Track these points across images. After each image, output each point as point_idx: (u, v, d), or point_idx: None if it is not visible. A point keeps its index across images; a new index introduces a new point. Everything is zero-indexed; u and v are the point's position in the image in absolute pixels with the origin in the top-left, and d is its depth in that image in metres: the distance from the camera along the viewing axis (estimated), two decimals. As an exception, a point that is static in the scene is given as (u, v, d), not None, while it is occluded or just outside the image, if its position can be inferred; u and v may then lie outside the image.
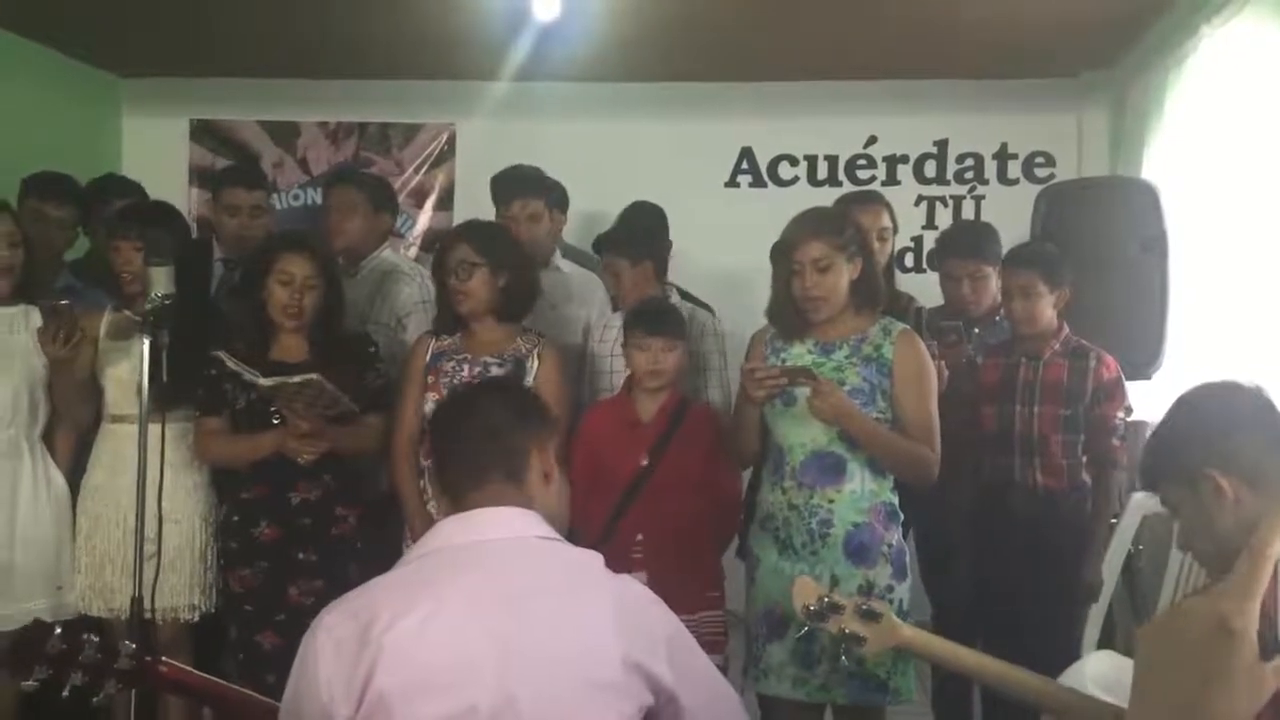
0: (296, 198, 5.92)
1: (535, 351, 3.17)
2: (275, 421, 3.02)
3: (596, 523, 3.01)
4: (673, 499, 3.05)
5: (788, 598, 2.30)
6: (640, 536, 3.03)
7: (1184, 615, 1.53)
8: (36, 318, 3.14)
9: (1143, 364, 3.66)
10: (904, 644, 2.19)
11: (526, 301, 3.24)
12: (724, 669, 2.99)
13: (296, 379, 2.85)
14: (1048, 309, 3.30)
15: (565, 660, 1.49)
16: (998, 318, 3.63)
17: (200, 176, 5.85)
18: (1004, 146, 5.59)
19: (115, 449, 3.14)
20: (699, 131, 5.60)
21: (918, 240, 5.52)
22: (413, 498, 3.15)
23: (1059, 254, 3.38)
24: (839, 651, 2.22)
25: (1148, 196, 3.85)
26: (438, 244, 3.50)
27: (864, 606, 2.17)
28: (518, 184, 3.88)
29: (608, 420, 3.16)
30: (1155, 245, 3.74)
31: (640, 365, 3.11)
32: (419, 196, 5.91)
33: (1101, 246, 3.73)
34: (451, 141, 5.89)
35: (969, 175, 5.63)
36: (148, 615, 2.75)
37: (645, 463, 3.08)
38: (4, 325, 3.17)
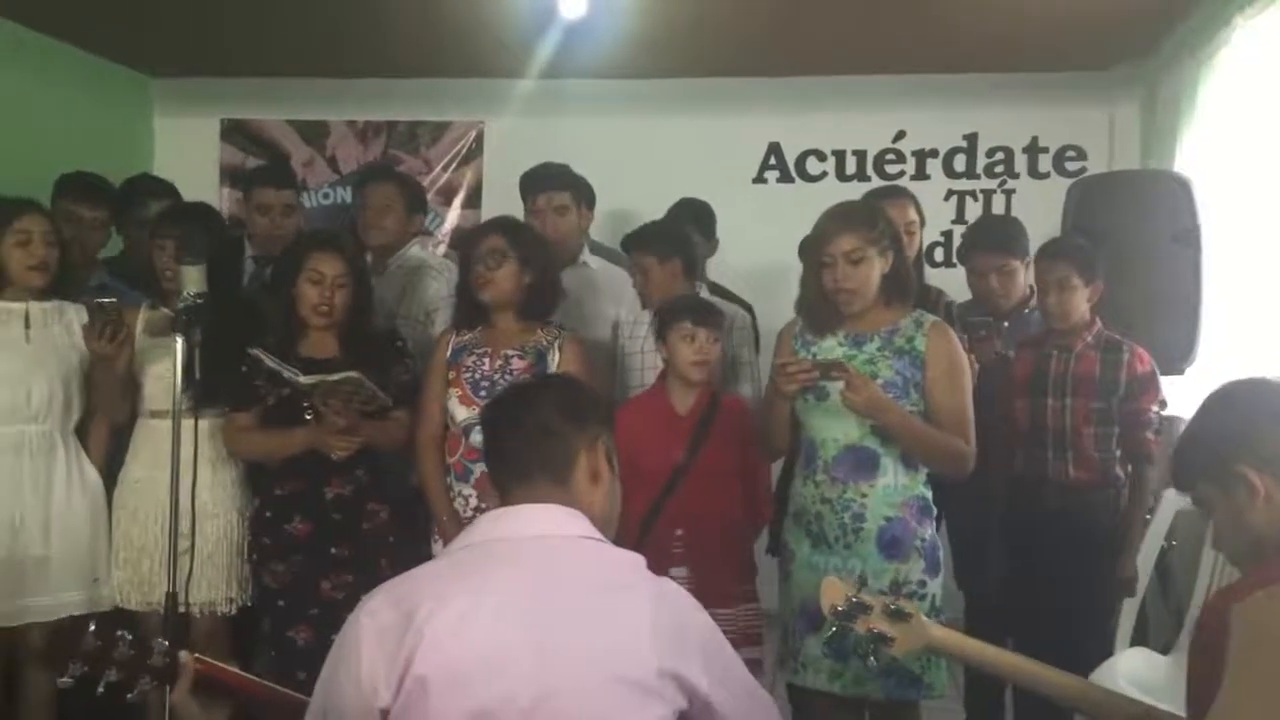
0: (326, 196, 5.96)
1: (556, 344, 3.18)
2: (307, 418, 3.05)
3: (634, 518, 3.00)
4: (710, 493, 3.05)
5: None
6: (680, 532, 3.03)
7: None
8: (72, 314, 3.18)
9: (1175, 359, 3.64)
10: (933, 644, 2.17)
11: (548, 303, 3.24)
12: (760, 662, 3.00)
13: (336, 376, 2.88)
14: (1082, 302, 3.28)
15: (600, 658, 1.49)
16: (1027, 311, 3.62)
17: (231, 176, 5.90)
18: (1034, 140, 5.55)
19: (153, 444, 3.16)
20: (726, 127, 5.59)
21: (947, 235, 5.50)
22: (438, 492, 3.16)
23: (1093, 248, 3.36)
24: (867, 651, 2.20)
25: (1180, 189, 3.82)
26: (468, 237, 3.52)
27: (892, 606, 2.15)
28: (544, 178, 3.91)
29: (643, 415, 3.16)
30: (1187, 239, 3.71)
31: (685, 356, 3.10)
32: (447, 194, 5.94)
33: (1133, 240, 3.71)
34: (479, 139, 5.91)
35: (999, 169, 5.59)
36: (183, 609, 2.78)
37: (682, 458, 3.08)
38: (40, 321, 3.20)
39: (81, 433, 3.28)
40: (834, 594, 2.18)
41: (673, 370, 3.17)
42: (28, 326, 3.18)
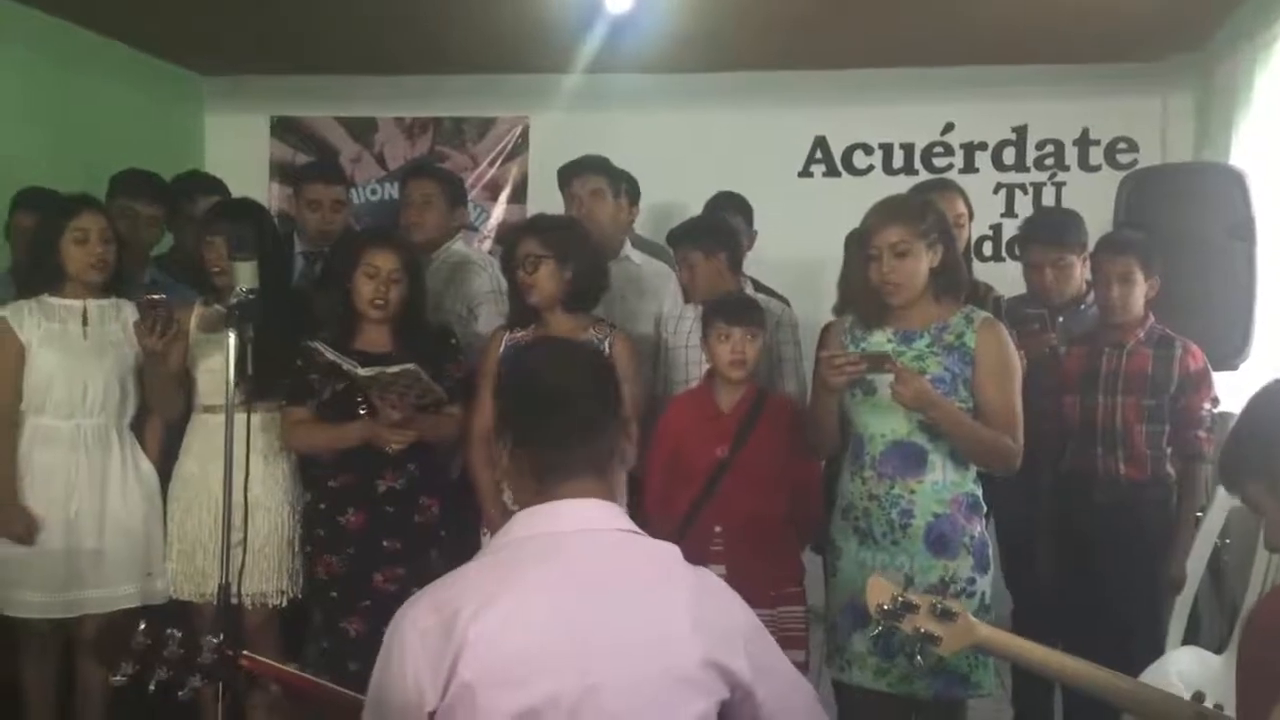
0: (374, 192, 6.01)
1: (607, 341, 3.19)
2: (362, 411, 3.08)
3: (676, 514, 3.02)
4: (752, 491, 3.04)
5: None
6: (719, 528, 3.03)
7: None
8: (128, 311, 3.23)
9: (1229, 355, 3.58)
10: (980, 644, 2.15)
11: (595, 292, 3.26)
12: (805, 664, 2.99)
13: (394, 369, 2.91)
14: (1141, 297, 3.25)
15: (643, 652, 1.49)
16: (1082, 306, 3.57)
17: (281, 172, 5.97)
18: (1085, 132, 5.48)
19: (206, 438, 3.21)
20: (772, 121, 5.57)
21: (996, 228, 5.44)
22: (488, 487, 3.19)
23: (1153, 241, 3.31)
24: (914, 651, 2.18)
25: (1234, 182, 3.76)
26: (505, 241, 3.54)
27: (939, 606, 2.13)
28: (578, 164, 3.92)
29: (688, 412, 3.16)
30: (1242, 232, 3.65)
31: (722, 356, 3.11)
32: (493, 190, 5.96)
33: (1186, 234, 3.65)
34: (525, 135, 5.93)
35: (1049, 162, 5.52)
36: (235, 601, 2.81)
37: (725, 454, 3.08)
38: (97, 318, 3.26)
39: (138, 428, 3.34)
40: (880, 593, 2.17)
41: (714, 369, 3.17)
42: (85, 324, 3.23)
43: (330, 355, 2.96)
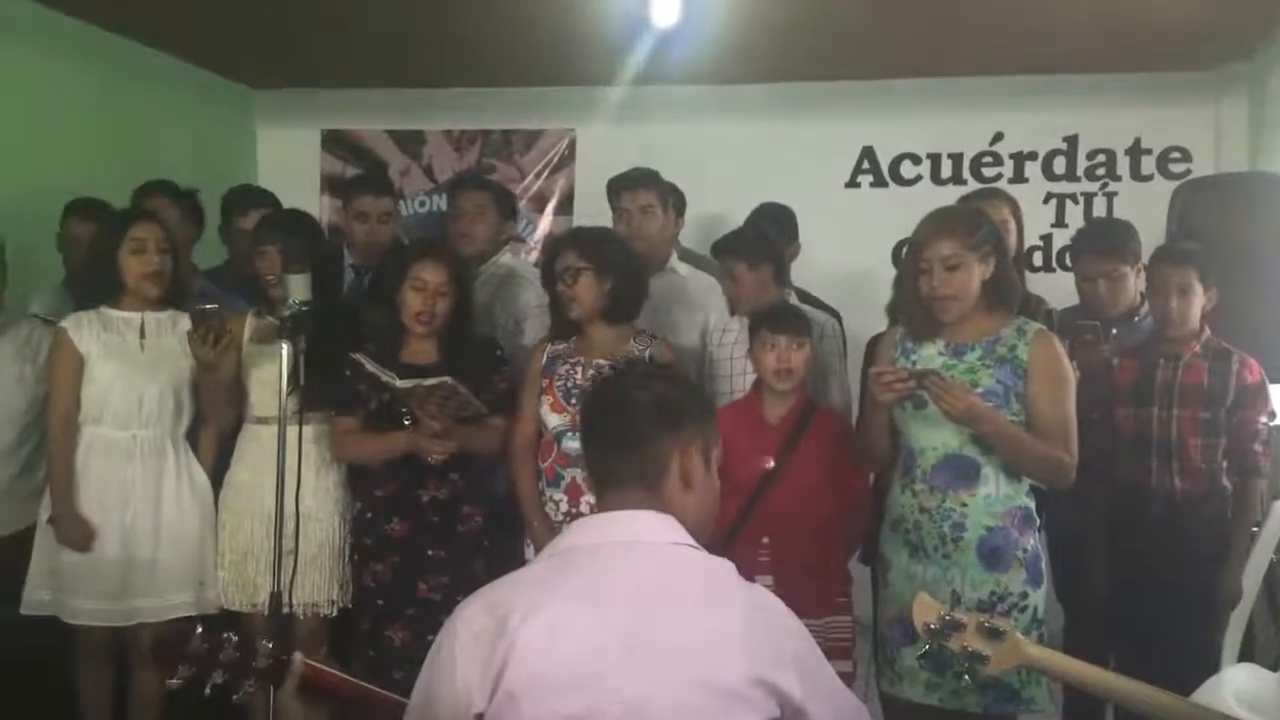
0: (422, 204, 6.05)
1: (648, 352, 3.20)
2: (406, 422, 3.10)
3: (722, 525, 2.99)
4: (799, 502, 3.04)
5: (920, 602, 2.27)
6: (766, 539, 3.02)
7: None
8: (184, 323, 3.27)
9: (1285, 368, 3.52)
10: (1029, 663, 2.12)
11: (635, 303, 3.27)
12: (851, 675, 2.97)
13: (430, 381, 2.93)
14: (1200, 308, 3.21)
15: (691, 666, 1.48)
16: (1136, 318, 3.53)
17: (331, 185, 6.03)
18: (1137, 142, 5.41)
19: (258, 448, 3.25)
20: (819, 132, 5.55)
21: (1047, 239, 5.39)
22: (530, 498, 3.21)
23: (1210, 252, 3.26)
24: (961, 670, 2.16)
25: (1291, 192, 3.69)
26: (545, 253, 3.55)
27: (987, 625, 2.10)
28: (630, 179, 3.92)
29: (735, 422, 3.15)
30: (1299, 243, 3.59)
31: (768, 365, 3.11)
32: (539, 202, 5.99)
33: (1240, 245, 3.59)
34: (572, 147, 5.96)
35: (1100, 172, 5.46)
36: (286, 610, 2.84)
37: (771, 465, 3.07)
38: (154, 330, 3.31)
39: (192, 438, 3.38)
40: (927, 611, 2.15)
41: (761, 379, 3.17)
42: (143, 336, 3.28)
43: (370, 367, 2.99)
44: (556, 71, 5.44)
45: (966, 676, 2.15)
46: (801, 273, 4.08)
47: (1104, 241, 3.63)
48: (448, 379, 2.92)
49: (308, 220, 3.53)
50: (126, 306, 3.29)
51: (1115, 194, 5.44)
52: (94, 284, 3.33)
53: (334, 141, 6.15)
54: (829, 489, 3.08)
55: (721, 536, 2.96)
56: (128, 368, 3.24)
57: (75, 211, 3.88)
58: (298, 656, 1.69)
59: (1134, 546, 3.27)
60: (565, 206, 5.96)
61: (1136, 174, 5.42)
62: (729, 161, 5.36)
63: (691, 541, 1.62)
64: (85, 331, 3.24)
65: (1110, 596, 3.36)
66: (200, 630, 1.65)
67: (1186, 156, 5.35)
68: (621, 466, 1.64)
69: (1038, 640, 2.61)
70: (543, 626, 1.47)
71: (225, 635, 1.66)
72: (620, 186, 3.92)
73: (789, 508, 3.03)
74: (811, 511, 3.04)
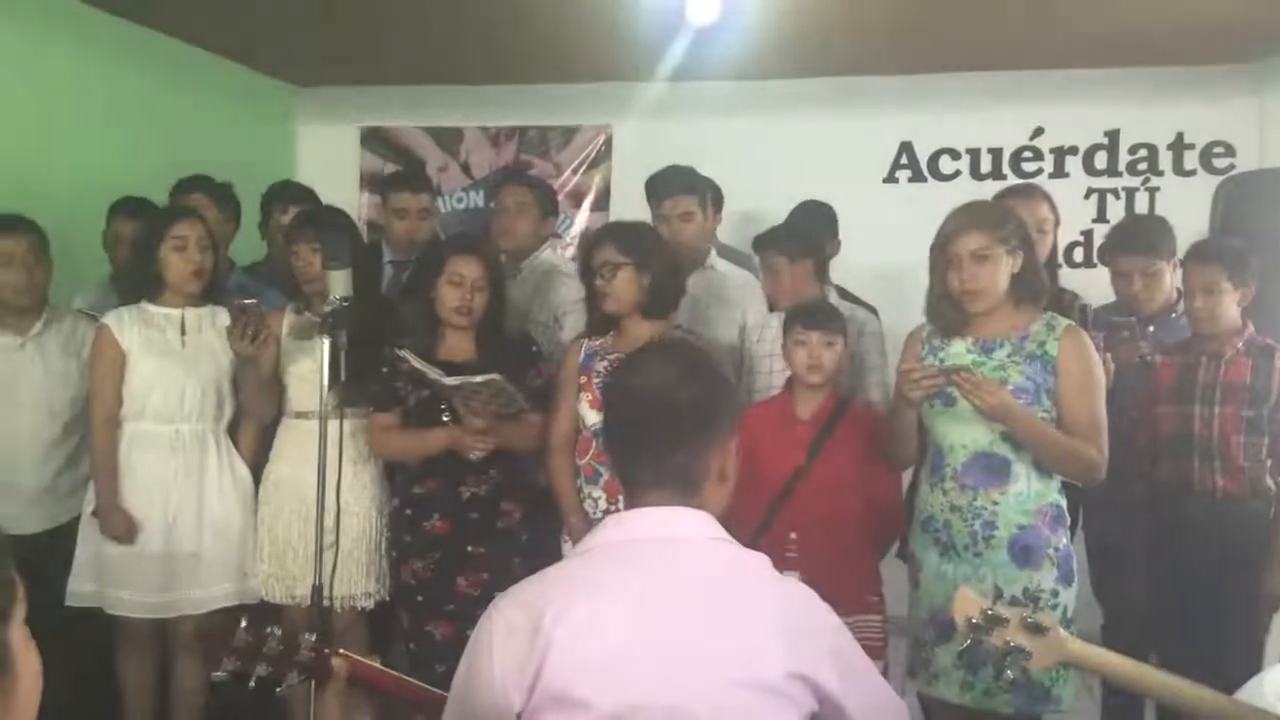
0: (460, 201, 6.09)
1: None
2: (445, 419, 3.12)
3: (751, 521, 3.00)
4: (829, 499, 3.02)
5: (951, 602, 2.25)
6: (794, 536, 3.01)
7: None
8: (222, 318, 3.31)
9: (1332, 364, 3.46)
10: (1071, 658, 2.10)
11: (674, 299, 3.26)
12: (884, 675, 2.95)
13: (479, 379, 2.94)
14: (1231, 307, 3.16)
15: (728, 662, 1.48)
16: (1174, 314, 3.49)
17: (370, 181, 6.08)
18: (1180, 136, 5.33)
19: (297, 443, 3.29)
20: (857, 127, 5.52)
21: (1087, 234, 5.32)
22: (569, 494, 3.21)
23: (1244, 249, 3.22)
24: (1003, 666, 2.15)
25: (1337, 186, 3.63)
26: (583, 248, 3.55)
27: (1030, 620, 2.09)
28: (669, 183, 3.90)
29: (766, 418, 3.15)
30: (1345, 238, 3.53)
31: (799, 361, 3.10)
32: (576, 198, 6.00)
33: (1286, 240, 3.54)
34: (608, 143, 5.96)
35: (1142, 166, 5.39)
36: (326, 603, 2.87)
37: (802, 462, 3.06)
38: (195, 325, 3.35)
39: (233, 432, 3.42)
40: (968, 606, 2.13)
41: (793, 375, 3.16)
42: (183, 331, 3.32)
43: (415, 363, 3.00)
44: (593, 68, 5.45)
45: (1009, 672, 2.13)
46: (838, 269, 4.06)
47: (1138, 238, 3.59)
48: (496, 376, 2.93)
49: (343, 216, 3.55)
50: (167, 302, 3.33)
51: (1157, 189, 5.37)
52: (136, 280, 3.38)
53: (373, 139, 6.19)
54: (860, 486, 3.06)
55: (750, 532, 2.96)
56: (169, 363, 3.28)
57: (120, 209, 3.93)
58: (337, 662, 1.70)
59: (1175, 546, 3.23)
60: (601, 202, 5.97)
61: (1179, 169, 5.35)
62: (766, 157, 5.34)
63: (727, 536, 1.61)
64: (126, 327, 3.29)
65: (1150, 596, 3.33)
66: (245, 624, 1.67)
67: (1230, 151, 5.27)
68: (661, 469, 1.60)
69: (1068, 639, 2.60)
70: (578, 624, 1.46)
71: (269, 629, 1.67)
72: (660, 191, 3.88)
73: (818, 504, 3.01)
74: (841, 508, 3.02)
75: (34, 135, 4.28)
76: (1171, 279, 3.49)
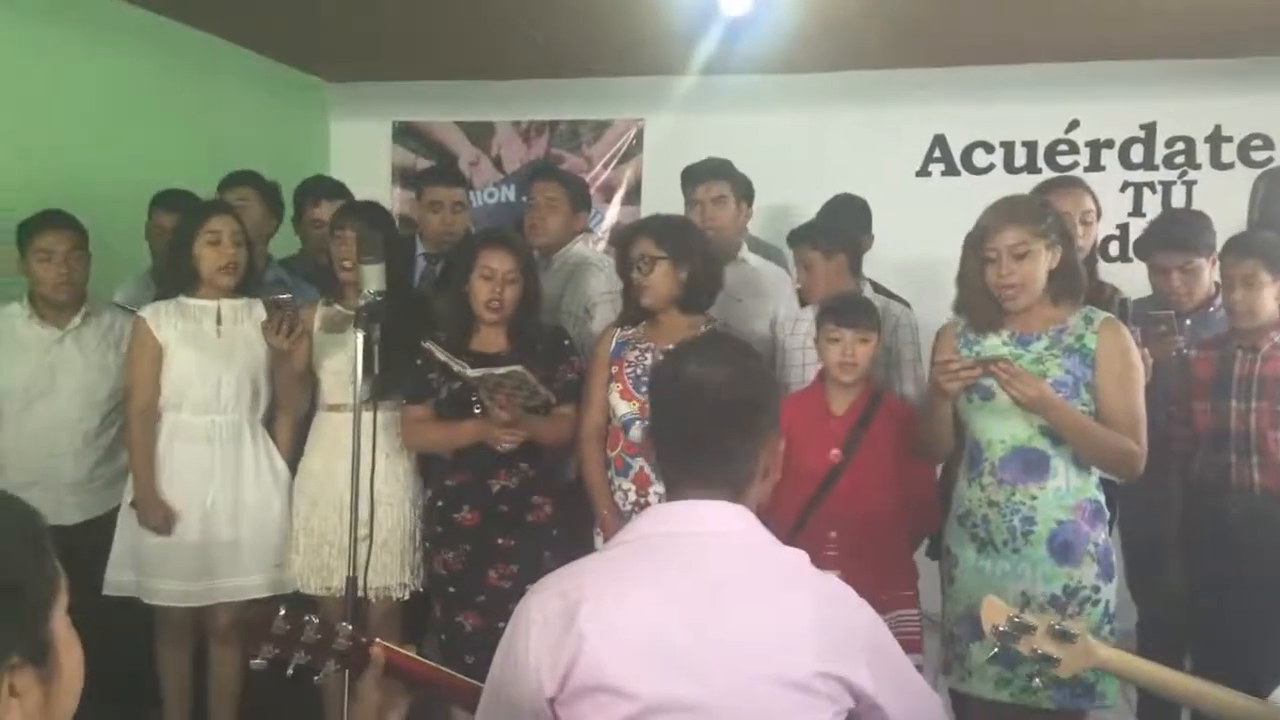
0: (491, 195, 6.11)
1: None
2: (476, 411, 3.13)
3: (788, 517, 2.98)
4: (867, 494, 3.00)
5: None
6: (833, 534, 2.98)
7: None
8: (258, 310, 3.33)
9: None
10: (1100, 665, 2.09)
11: (710, 293, 3.26)
12: (919, 669, 2.95)
13: (501, 370, 2.95)
14: (1270, 300, 3.12)
15: (762, 659, 1.47)
16: (1211, 308, 3.45)
17: (402, 176, 6.11)
18: (1217, 129, 5.27)
19: (331, 435, 3.31)
20: (889, 120, 5.49)
21: (1123, 228, 5.28)
22: (600, 487, 3.22)
23: (1284, 242, 3.19)
24: (1033, 671, 2.13)
25: (1379, 179, 3.58)
26: (620, 241, 3.56)
27: (1057, 627, 2.07)
28: (704, 169, 3.92)
29: (800, 413, 3.12)
30: (1386, 231, 3.48)
31: (832, 357, 3.08)
32: (607, 191, 6.00)
33: (1327, 234, 3.49)
34: (639, 137, 5.96)
35: (1179, 160, 5.32)
36: (361, 594, 2.89)
37: (839, 457, 3.05)
38: (230, 318, 3.38)
39: (269, 424, 3.45)
40: (995, 613, 2.12)
41: (824, 370, 3.15)
42: (219, 323, 3.36)
43: (441, 355, 3.01)
44: (625, 62, 5.44)
45: (1037, 679, 2.12)
46: (871, 263, 4.04)
47: (1174, 234, 3.55)
48: (518, 368, 2.94)
49: (381, 211, 3.57)
50: (203, 295, 3.37)
51: (1194, 182, 5.31)
52: (173, 274, 3.42)
53: (405, 133, 6.22)
54: (895, 480, 3.05)
55: (787, 530, 2.95)
56: (204, 355, 3.31)
57: (160, 203, 3.97)
58: (375, 650, 1.71)
59: (1211, 543, 3.20)
60: (633, 196, 5.97)
61: (1217, 162, 5.29)
62: (797, 151, 5.32)
63: (766, 532, 1.60)
64: (163, 320, 3.32)
65: (1186, 594, 3.29)
66: (283, 612, 1.68)
67: (1268, 144, 5.20)
68: (709, 469, 1.58)
69: (1109, 635, 2.58)
70: (613, 615, 1.46)
71: (307, 618, 1.69)
72: (694, 177, 3.91)
73: (856, 500, 2.99)
74: (878, 504, 3.01)
75: (72, 131, 4.33)
76: (1210, 274, 3.46)
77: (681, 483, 1.61)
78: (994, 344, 2.74)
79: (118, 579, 3.32)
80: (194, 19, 4.89)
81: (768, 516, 1.65)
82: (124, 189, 4.14)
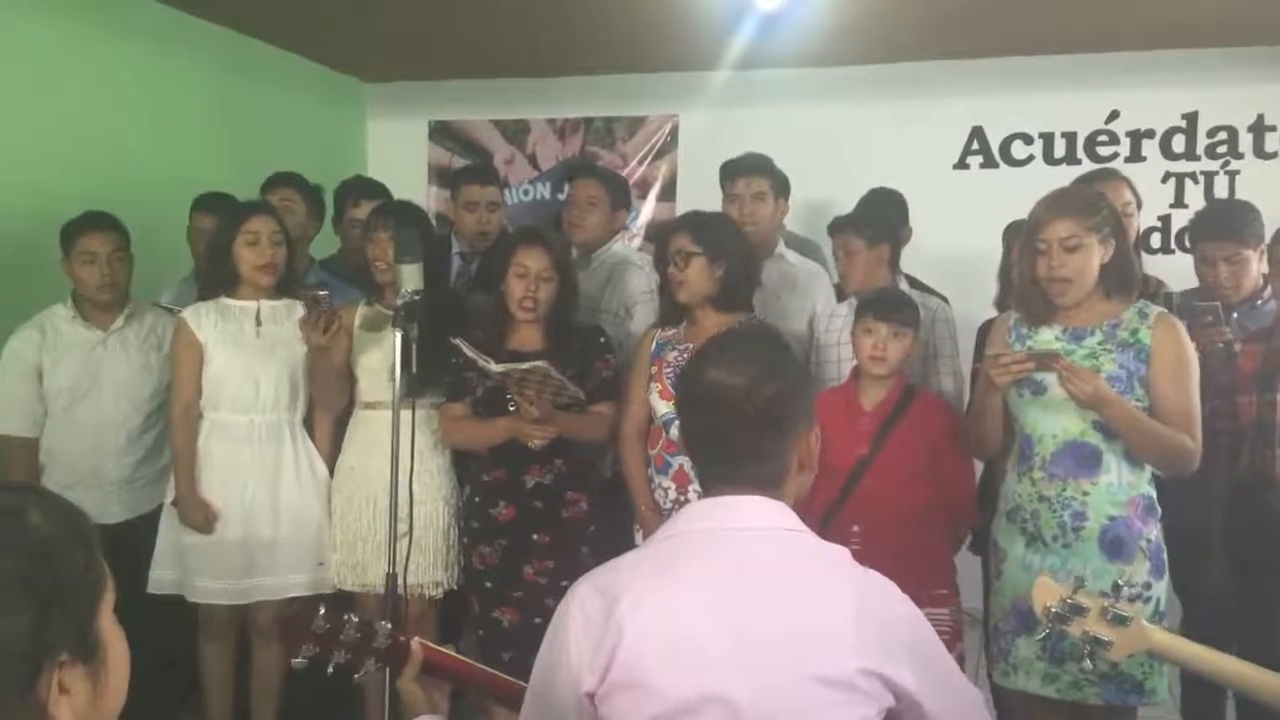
0: (526, 193, 6.12)
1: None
2: (511, 408, 3.13)
3: (815, 512, 2.95)
4: (894, 490, 2.97)
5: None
6: (857, 528, 2.93)
7: None
8: (298, 310, 3.35)
9: None
10: (1154, 649, 2.05)
11: (747, 291, 3.24)
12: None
13: (524, 365, 2.96)
14: (1319, 290, 3.08)
15: (801, 656, 1.46)
16: (1259, 301, 3.40)
17: (439, 175, 6.13)
18: (1260, 118, 5.18)
19: (368, 433, 3.33)
20: (926, 112, 5.44)
21: (1165, 220, 5.21)
22: (640, 485, 3.22)
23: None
24: (1083, 655, 2.10)
25: None
26: (658, 237, 3.56)
27: (1111, 610, 2.03)
28: (743, 164, 3.91)
29: (830, 408, 3.09)
30: None
31: (864, 350, 3.06)
32: (643, 188, 5.99)
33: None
34: (674, 133, 5.95)
35: (1221, 149, 5.24)
36: (400, 592, 2.91)
37: (865, 452, 3.03)
38: (269, 318, 3.41)
39: (309, 423, 3.47)
40: (1047, 595, 2.09)
41: (858, 364, 3.13)
42: (259, 324, 3.38)
43: (468, 352, 3.02)
44: (659, 57, 5.44)
45: (1089, 661, 2.09)
46: (908, 257, 4.02)
47: (1223, 225, 3.50)
48: (540, 363, 2.94)
49: (416, 210, 3.59)
50: (242, 296, 3.40)
51: (1237, 173, 5.23)
52: (213, 275, 3.45)
53: (441, 133, 6.25)
54: (927, 477, 3.01)
55: (814, 524, 2.92)
56: (244, 355, 3.34)
57: (201, 205, 4.01)
58: (414, 643, 1.72)
59: (1256, 539, 3.15)
60: (668, 193, 5.96)
61: (1260, 151, 5.20)
62: (834, 144, 5.29)
63: (804, 528, 1.60)
64: (204, 321, 3.35)
65: (1230, 590, 3.25)
66: (324, 611, 1.69)
67: (1313, 132, 5.12)
68: (741, 467, 1.58)
69: (1159, 633, 2.55)
70: (652, 612, 1.47)
71: (346, 616, 1.70)
72: (734, 172, 3.89)
73: (883, 496, 2.96)
74: (907, 500, 2.97)
75: (116, 134, 4.39)
76: (1258, 266, 3.40)
77: (717, 482, 1.60)
78: (1046, 338, 2.71)
79: (161, 577, 3.35)
80: (233, 22, 4.94)
81: (795, 511, 1.63)
82: (167, 191, 4.19)
